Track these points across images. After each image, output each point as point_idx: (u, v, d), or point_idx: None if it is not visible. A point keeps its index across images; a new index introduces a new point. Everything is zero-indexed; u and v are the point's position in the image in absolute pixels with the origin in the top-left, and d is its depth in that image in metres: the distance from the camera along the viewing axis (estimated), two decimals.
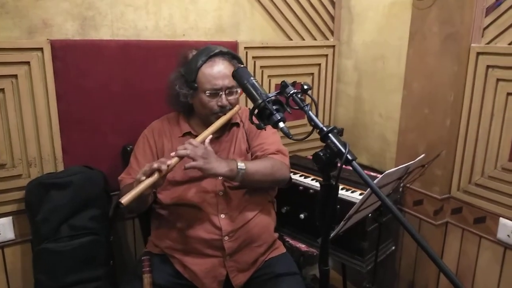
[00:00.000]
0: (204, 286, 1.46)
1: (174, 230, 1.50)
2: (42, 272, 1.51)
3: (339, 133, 1.02)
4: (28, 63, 1.51)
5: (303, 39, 2.15)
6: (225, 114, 1.47)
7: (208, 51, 1.47)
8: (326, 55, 2.24)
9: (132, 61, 1.71)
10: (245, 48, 1.96)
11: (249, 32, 1.98)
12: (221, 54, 1.48)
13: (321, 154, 0.98)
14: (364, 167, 2.19)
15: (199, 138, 1.38)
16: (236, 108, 1.50)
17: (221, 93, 1.46)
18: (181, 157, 1.30)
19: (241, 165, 1.37)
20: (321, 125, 1.00)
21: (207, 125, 1.47)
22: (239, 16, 1.94)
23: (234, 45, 1.92)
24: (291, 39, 2.11)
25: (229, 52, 1.51)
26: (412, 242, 1.93)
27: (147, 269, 1.45)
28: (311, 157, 2.12)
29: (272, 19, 2.03)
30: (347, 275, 2.23)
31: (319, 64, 2.23)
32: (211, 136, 1.40)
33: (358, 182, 1.76)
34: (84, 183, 1.60)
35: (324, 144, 0.98)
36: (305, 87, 1.05)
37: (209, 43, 1.78)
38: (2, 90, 1.49)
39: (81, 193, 1.59)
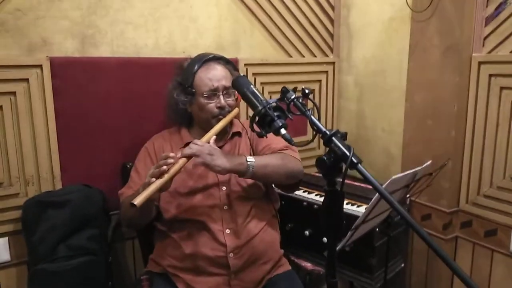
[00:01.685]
0: None
1: (177, 248, 1.45)
2: None
3: (343, 137, 0.99)
4: (27, 80, 1.50)
5: (303, 56, 2.16)
6: (225, 116, 1.46)
7: (203, 57, 1.50)
8: (327, 72, 2.24)
9: (132, 79, 1.71)
10: (245, 64, 1.96)
11: (249, 50, 1.99)
12: (215, 58, 1.51)
13: (325, 159, 0.95)
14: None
15: (204, 139, 1.37)
16: (235, 110, 1.50)
17: (218, 94, 1.47)
18: (188, 157, 1.28)
19: (250, 159, 1.35)
20: (324, 129, 0.97)
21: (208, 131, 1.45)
22: (239, 34, 1.95)
23: (235, 62, 1.91)
24: (290, 56, 2.12)
25: (223, 58, 1.54)
26: (422, 259, 1.87)
27: None
28: (314, 174, 2.09)
29: (271, 37, 2.05)
30: None
31: (320, 81, 2.23)
32: (215, 137, 1.39)
33: (364, 197, 1.72)
34: (83, 201, 1.56)
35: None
36: (307, 91, 1.03)
37: None
38: (0, 107, 1.47)
39: (79, 212, 1.54)
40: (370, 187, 1.90)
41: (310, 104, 1.32)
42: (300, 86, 2.08)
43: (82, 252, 1.53)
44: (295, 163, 1.49)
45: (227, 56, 1.90)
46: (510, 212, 1.57)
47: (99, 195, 1.63)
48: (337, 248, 1.19)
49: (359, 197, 1.74)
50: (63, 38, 1.57)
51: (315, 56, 2.20)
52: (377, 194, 1.06)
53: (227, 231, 1.42)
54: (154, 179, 1.21)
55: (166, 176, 1.21)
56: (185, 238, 1.43)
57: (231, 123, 1.57)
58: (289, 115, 1.06)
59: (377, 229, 1.57)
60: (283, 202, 1.76)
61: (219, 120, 1.46)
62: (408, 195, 1.70)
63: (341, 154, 0.93)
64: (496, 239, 1.63)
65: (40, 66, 1.52)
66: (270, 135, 1.52)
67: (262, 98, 1.10)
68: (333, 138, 0.95)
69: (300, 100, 1.03)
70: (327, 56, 2.24)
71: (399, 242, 1.83)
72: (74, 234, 1.53)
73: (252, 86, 1.14)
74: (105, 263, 1.59)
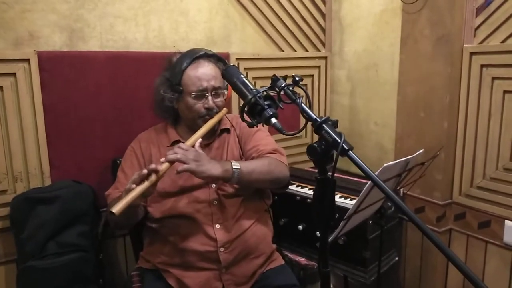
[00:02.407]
0: None
1: (167, 244, 1.43)
2: None
3: (334, 124, 0.98)
4: (14, 74, 1.48)
5: (295, 51, 2.15)
6: (212, 117, 1.43)
7: (193, 54, 1.44)
8: (319, 67, 2.23)
9: (122, 73, 1.69)
10: (237, 59, 1.94)
11: (240, 44, 1.98)
12: (206, 56, 1.46)
13: (316, 146, 0.94)
14: (361, 177, 2.14)
15: (189, 142, 1.32)
16: (223, 111, 1.46)
17: (207, 94, 1.42)
18: (171, 162, 1.24)
19: (236, 165, 1.32)
20: (314, 116, 0.96)
21: (195, 131, 1.42)
22: (230, 28, 1.94)
23: (226, 56, 1.91)
24: (282, 51, 2.10)
25: (214, 55, 1.48)
26: (416, 252, 1.86)
27: (137, 285, 1.37)
28: (307, 169, 2.08)
29: (263, 31, 2.04)
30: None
31: (312, 76, 2.22)
32: (200, 139, 1.35)
33: (356, 190, 1.70)
34: (73, 198, 1.54)
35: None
36: (297, 78, 1.01)
37: None
38: None
39: (69, 209, 1.53)
40: (363, 180, 1.90)
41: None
42: (291, 74, 2.05)
43: (72, 248, 1.51)
44: (282, 169, 1.45)
45: (218, 50, 1.89)
46: (503, 203, 1.57)
47: (89, 191, 1.61)
48: (330, 239, 1.18)
49: (352, 191, 1.73)
50: (51, 31, 1.55)
51: (307, 51, 2.19)
52: (369, 182, 1.04)
53: (217, 226, 1.40)
54: (134, 185, 1.16)
55: (147, 183, 1.17)
56: (175, 234, 1.41)
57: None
58: (280, 104, 1.05)
59: (370, 222, 1.56)
60: (276, 197, 1.75)
61: (206, 120, 1.42)
62: (401, 188, 1.70)
63: (332, 141, 0.92)
64: (489, 231, 1.62)
65: (28, 60, 1.50)
66: (260, 135, 1.50)
67: (252, 88, 1.08)
68: (324, 125, 0.93)
69: (291, 88, 1.01)
70: (319, 50, 2.23)
71: (393, 235, 1.82)
72: (63, 230, 1.51)
73: (242, 76, 1.12)
74: (95, 260, 1.57)
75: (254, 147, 1.49)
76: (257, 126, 1.07)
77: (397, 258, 1.85)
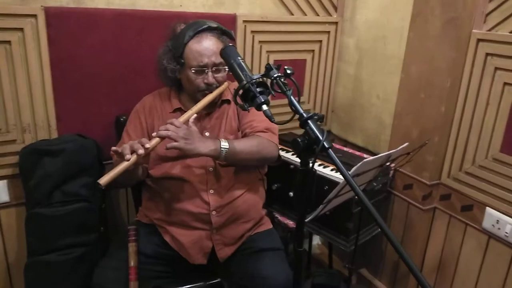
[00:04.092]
0: (190, 256, 1.51)
1: (164, 203, 1.54)
2: (34, 235, 1.56)
3: (320, 119, 1.02)
4: (21, 29, 1.51)
5: (305, 15, 2.10)
6: (211, 92, 1.46)
7: (196, 26, 1.45)
8: (328, 32, 2.19)
9: (127, 31, 1.70)
10: (244, 21, 1.92)
11: (248, 5, 1.94)
12: (209, 29, 1.46)
13: (299, 140, 0.98)
14: (359, 148, 2.19)
15: (182, 118, 1.37)
16: (223, 86, 1.49)
17: (207, 70, 1.45)
18: (162, 138, 1.30)
19: (224, 144, 1.37)
20: (301, 111, 1.00)
21: (196, 101, 1.46)
22: None
23: (233, 18, 1.89)
24: (292, 14, 2.06)
25: (219, 28, 1.48)
26: (399, 225, 1.96)
27: (133, 238, 1.49)
28: None
29: None
30: (336, 251, 2.29)
31: (320, 41, 2.19)
32: (195, 115, 1.40)
33: (349, 164, 1.76)
34: (77, 151, 1.62)
35: None
36: (288, 71, 1.04)
37: (206, 15, 1.77)
38: None
39: (73, 161, 1.61)
40: (358, 153, 1.94)
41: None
42: (300, 47, 2.01)
43: (76, 198, 1.62)
44: (270, 149, 1.50)
45: (225, 11, 1.89)
46: (487, 190, 1.62)
47: (93, 145, 1.69)
48: (307, 220, 1.26)
49: (345, 164, 1.78)
50: None
51: (318, 15, 2.14)
52: (343, 180, 1.10)
53: (211, 191, 1.50)
54: (129, 155, 1.24)
55: (135, 157, 1.24)
56: (172, 194, 1.51)
57: None
58: (272, 92, 1.08)
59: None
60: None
61: (205, 95, 1.45)
62: (391, 164, 1.76)
63: (314, 137, 0.96)
64: (471, 214, 1.69)
65: (35, 16, 1.52)
66: (256, 110, 1.52)
67: (247, 72, 1.10)
68: (309, 121, 0.97)
69: (282, 80, 1.04)
70: (330, 15, 2.18)
71: (378, 209, 1.91)
72: (68, 181, 1.61)
73: (239, 58, 1.14)
74: (97, 210, 1.68)
75: (249, 122, 1.53)
76: (248, 111, 1.11)
77: (379, 230, 1.95)
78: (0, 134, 1.58)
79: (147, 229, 1.57)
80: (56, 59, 1.60)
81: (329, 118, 2.35)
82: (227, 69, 1.46)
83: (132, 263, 1.45)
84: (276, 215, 1.94)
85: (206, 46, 1.43)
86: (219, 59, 1.41)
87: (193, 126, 1.38)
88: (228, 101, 1.58)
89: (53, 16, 1.55)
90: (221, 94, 1.54)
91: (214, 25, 1.47)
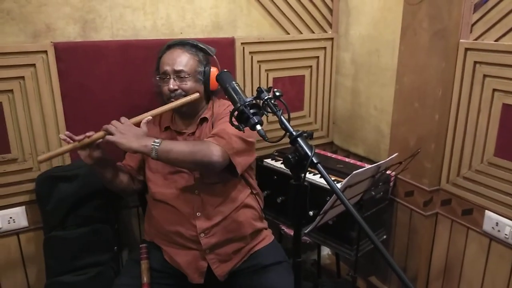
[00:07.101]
0: (188, 276, 1.55)
1: (158, 223, 1.59)
2: (51, 257, 1.66)
3: (309, 136, 1.09)
4: (34, 65, 1.63)
5: (301, 33, 2.19)
6: (177, 99, 1.51)
7: (171, 42, 1.57)
8: (325, 48, 2.27)
9: (132, 60, 1.80)
10: (242, 43, 2.01)
11: (246, 28, 2.03)
12: (180, 44, 1.56)
13: (290, 157, 1.05)
14: (360, 158, 2.25)
15: (133, 119, 1.44)
16: (191, 97, 1.51)
17: (168, 77, 1.52)
18: (106, 131, 1.37)
19: (156, 142, 1.37)
20: (291, 130, 1.07)
21: (182, 118, 1.57)
22: (236, 13, 1.99)
23: (231, 41, 1.99)
24: (288, 33, 2.15)
25: (190, 43, 1.57)
26: (403, 231, 1.99)
27: (145, 256, 1.57)
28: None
29: (269, 14, 2.08)
30: (344, 260, 2.33)
31: (318, 57, 2.26)
32: (150, 117, 1.44)
33: (347, 174, 1.81)
34: (90, 175, 1.71)
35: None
36: (277, 93, 1.12)
37: (206, 40, 1.86)
38: (11, 91, 1.61)
39: (87, 185, 1.71)
40: (359, 163, 2.00)
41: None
42: (298, 64, 2.05)
43: (90, 220, 1.72)
44: (205, 153, 1.40)
45: (224, 35, 1.98)
46: (485, 194, 1.65)
47: None
48: (306, 231, 1.32)
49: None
50: (66, 23, 1.67)
51: (313, 32, 2.23)
52: (334, 195, 1.16)
53: (198, 214, 1.53)
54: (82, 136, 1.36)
55: (76, 143, 1.36)
56: (163, 216, 1.57)
57: (201, 109, 1.61)
58: (265, 112, 1.15)
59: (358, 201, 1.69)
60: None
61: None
62: (392, 172, 1.81)
63: (304, 154, 1.03)
64: (471, 218, 1.73)
65: (45, 52, 1.63)
66: (221, 121, 1.52)
67: (241, 95, 1.18)
68: (298, 139, 1.04)
69: (273, 101, 1.12)
70: (325, 32, 2.26)
71: (381, 216, 1.96)
72: (82, 204, 1.71)
73: (233, 83, 1.23)
74: (110, 230, 1.77)
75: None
76: (244, 131, 1.18)
77: (385, 237, 2.00)
78: (18, 163, 1.68)
79: (152, 246, 1.63)
80: (67, 90, 1.71)
81: (331, 130, 2.42)
82: (191, 78, 1.52)
83: (145, 279, 1.52)
84: (282, 227, 2.00)
85: (170, 56, 1.53)
86: (180, 67, 1.50)
87: (144, 127, 1.42)
88: (206, 119, 1.60)
89: (62, 51, 1.66)
90: (197, 111, 1.60)
91: (185, 41, 1.57)
